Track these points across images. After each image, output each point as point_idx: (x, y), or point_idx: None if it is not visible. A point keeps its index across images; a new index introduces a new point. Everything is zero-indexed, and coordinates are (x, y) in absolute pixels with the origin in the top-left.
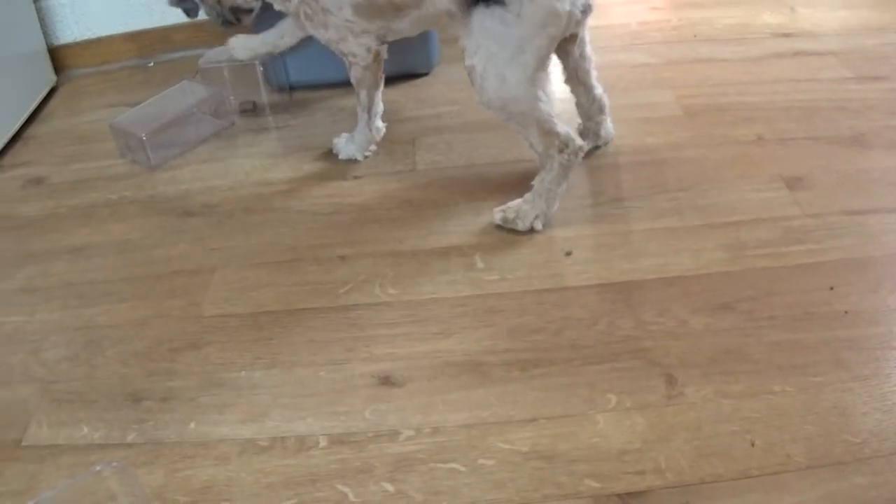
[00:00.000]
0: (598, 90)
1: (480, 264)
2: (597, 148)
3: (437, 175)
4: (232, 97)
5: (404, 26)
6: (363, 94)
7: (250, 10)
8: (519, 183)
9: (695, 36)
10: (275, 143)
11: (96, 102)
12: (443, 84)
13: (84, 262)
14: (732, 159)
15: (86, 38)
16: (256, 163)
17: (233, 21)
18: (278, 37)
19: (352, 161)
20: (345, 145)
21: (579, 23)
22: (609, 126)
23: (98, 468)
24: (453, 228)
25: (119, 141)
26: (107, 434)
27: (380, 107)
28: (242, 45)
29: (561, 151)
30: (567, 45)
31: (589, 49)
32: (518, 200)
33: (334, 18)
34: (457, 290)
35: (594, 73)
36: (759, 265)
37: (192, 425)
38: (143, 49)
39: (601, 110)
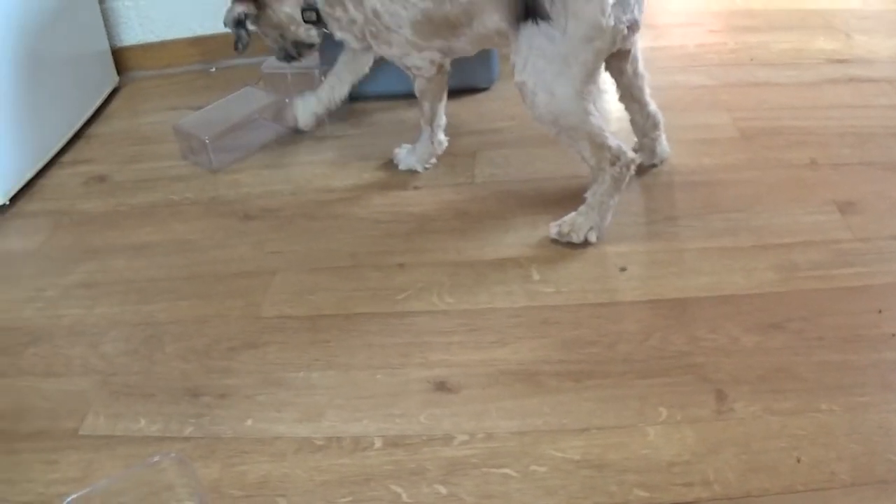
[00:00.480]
0: (653, 107)
1: (536, 276)
2: (653, 166)
3: (495, 188)
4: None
5: (462, 45)
6: (426, 105)
7: (312, 45)
8: (575, 197)
9: (751, 60)
10: (335, 152)
11: (158, 104)
12: (502, 99)
13: (145, 259)
14: (786, 182)
15: (149, 40)
16: (317, 170)
17: (295, 56)
18: (331, 90)
19: (412, 172)
20: (406, 156)
21: (626, 38)
22: (664, 143)
23: (156, 458)
24: (510, 241)
25: (182, 143)
26: (164, 427)
27: (442, 120)
28: (304, 111)
29: (613, 164)
30: (620, 63)
31: (642, 66)
32: (572, 214)
33: (397, 36)
34: (512, 301)
35: (647, 90)
36: (810, 287)
37: (250, 422)
38: (206, 54)
39: (656, 126)
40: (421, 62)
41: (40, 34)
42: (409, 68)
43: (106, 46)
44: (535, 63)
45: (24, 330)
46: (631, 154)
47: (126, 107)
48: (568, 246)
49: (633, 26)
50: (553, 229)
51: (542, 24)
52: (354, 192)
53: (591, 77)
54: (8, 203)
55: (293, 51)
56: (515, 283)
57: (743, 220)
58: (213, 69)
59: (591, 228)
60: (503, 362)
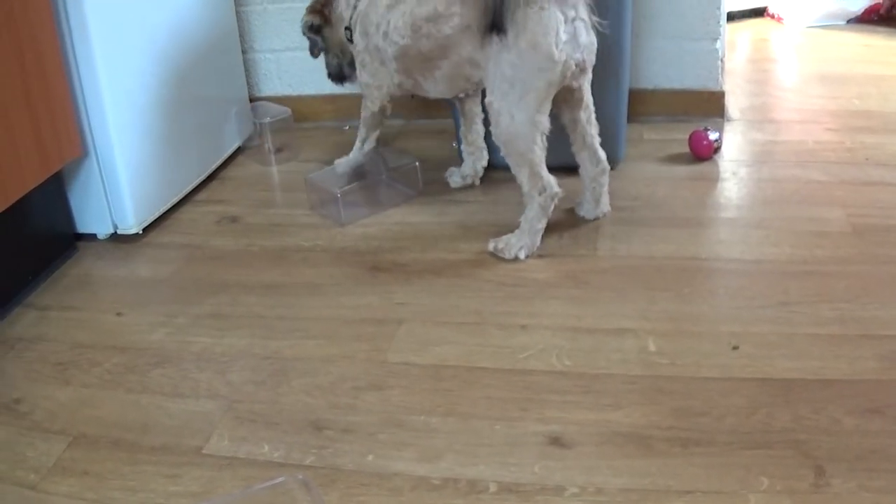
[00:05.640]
0: (602, 154)
1: (653, 348)
2: (596, 219)
3: (616, 262)
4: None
5: (433, 84)
6: (364, 130)
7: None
8: (693, 279)
9: (866, 159)
10: (464, 216)
11: (291, 155)
12: (627, 179)
13: (274, 298)
14: (895, 277)
15: (286, 93)
16: (445, 231)
17: (347, 76)
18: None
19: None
20: (341, 162)
21: (575, 76)
22: (607, 197)
23: (281, 479)
24: (629, 312)
25: (312, 195)
26: (286, 454)
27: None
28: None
29: (540, 194)
30: (573, 112)
31: (594, 116)
32: (509, 234)
33: (384, 70)
34: (628, 369)
35: (598, 139)
36: None
37: (370, 457)
38: (340, 112)
39: (604, 173)
40: (376, 98)
41: (188, 77)
42: (364, 98)
43: (245, 94)
44: (501, 86)
45: (152, 352)
46: (556, 188)
47: (260, 154)
48: (685, 323)
49: (582, 65)
50: (490, 245)
51: (504, 54)
52: (481, 255)
53: (542, 107)
54: (141, 233)
55: (347, 70)
56: (632, 353)
57: (851, 310)
58: (347, 127)
59: (521, 248)
60: (616, 424)
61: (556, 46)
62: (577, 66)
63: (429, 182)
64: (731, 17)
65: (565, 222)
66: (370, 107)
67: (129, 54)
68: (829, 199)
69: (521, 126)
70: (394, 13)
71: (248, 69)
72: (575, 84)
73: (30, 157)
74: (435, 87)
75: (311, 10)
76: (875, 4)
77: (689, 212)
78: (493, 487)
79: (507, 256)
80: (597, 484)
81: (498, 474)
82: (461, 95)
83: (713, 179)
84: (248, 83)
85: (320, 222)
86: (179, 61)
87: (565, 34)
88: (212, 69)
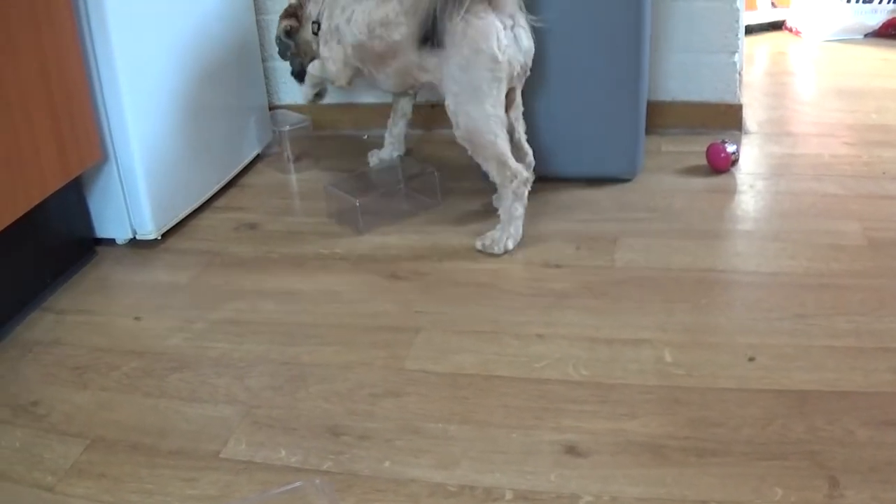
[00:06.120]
0: (528, 149)
1: (669, 359)
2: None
3: (633, 273)
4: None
5: (384, 78)
6: (309, 89)
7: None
8: (711, 291)
9: (883, 173)
10: (482, 226)
11: (309, 163)
12: (645, 191)
13: (293, 304)
14: None
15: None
16: (465, 241)
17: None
18: (390, 149)
19: (554, 250)
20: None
21: (519, 77)
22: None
23: (298, 484)
24: (646, 324)
25: (331, 203)
26: (303, 459)
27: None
28: (377, 158)
29: (511, 181)
30: (508, 111)
31: (521, 115)
32: (492, 230)
33: (339, 49)
34: (645, 379)
35: (525, 137)
36: None
37: (387, 464)
38: (359, 120)
39: (529, 166)
40: (331, 69)
41: (208, 84)
42: (318, 58)
43: (265, 102)
44: (453, 89)
45: (170, 356)
46: (526, 173)
47: (279, 161)
48: (702, 334)
49: (525, 67)
50: (478, 243)
51: (452, 59)
52: (499, 265)
53: (497, 103)
54: (159, 238)
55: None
56: (648, 363)
57: (867, 323)
58: (366, 136)
59: (507, 238)
60: (632, 433)
61: (499, 49)
62: (520, 68)
63: (447, 191)
64: (750, 30)
65: (582, 233)
66: (318, 65)
67: (149, 60)
68: (845, 213)
69: (479, 121)
70: (359, 6)
71: (267, 77)
72: (514, 86)
73: (50, 162)
74: (386, 82)
75: (287, 14)
76: (893, 19)
77: (707, 224)
78: (509, 495)
79: (496, 251)
80: (612, 493)
81: (514, 482)
82: (410, 91)
83: (730, 192)
84: (267, 91)
85: (339, 230)
86: (200, 68)
87: (506, 39)
88: (232, 77)
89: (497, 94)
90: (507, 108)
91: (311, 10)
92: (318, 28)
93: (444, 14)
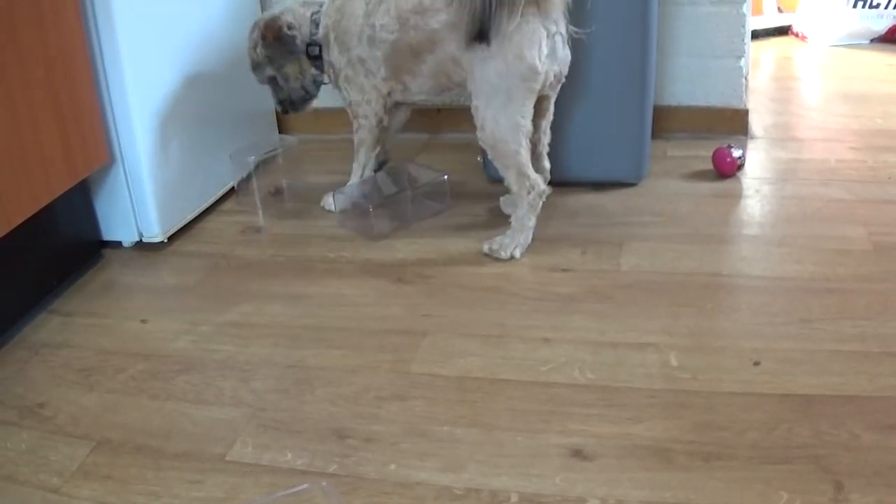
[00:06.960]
0: (547, 163)
1: (675, 363)
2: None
3: (639, 277)
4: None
5: (421, 81)
6: (363, 153)
7: (310, 98)
8: (715, 295)
9: (889, 178)
10: (489, 230)
11: (317, 167)
12: (651, 195)
13: (299, 308)
14: None
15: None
16: (471, 245)
17: (310, 94)
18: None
19: (560, 254)
20: (337, 196)
21: (552, 86)
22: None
23: (304, 486)
24: (651, 328)
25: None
26: (309, 462)
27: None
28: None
29: (528, 193)
30: (538, 119)
31: (549, 126)
32: (501, 235)
33: (370, 82)
34: (650, 383)
35: (548, 149)
36: None
37: (393, 466)
38: None
39: (546, 180)
40: (370, 113)
41: (215, 88)
42: (357, 118)
43: (270, 107)
44: (486, 92)
45: (176, 359)
46: (543, 186)
47: (285, 166)
48: (707, 339)
49: (559, 76)
50: (485, 247)
51: (490, 62)
52: (506, 269)
53: (524, 112)
54: (166, 241)
55: (312, 89)
56: (654, 367)
57: (872, 327)
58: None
59: (516, 246)
60: (637, 437)
61: (539, 59)
62: (554, 77)
63: (453, 196)
64: (756, 35)
65: (588, 238)
66: (365, 124)
67: (157, 64)
68: (851, 218)
69: (506, 130)
70: (376, 15)
71: None
72: (548, 94)
73: (57, 164)
74: (421, 86)
75: (259, 39)
76: None
77: (712, 228)
78: (514, 498)
79: (503, 256)
80: (618, 496)
81: (520, 485)
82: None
83: (736, 196)
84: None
85: (346, 234)
86: (207, 73)
87: (546, 48)
88: (238, 81)
89: (528, 105)
90: (540, 116)
91: (297, 32)
92: (320, 50)
93: (501, 12)
